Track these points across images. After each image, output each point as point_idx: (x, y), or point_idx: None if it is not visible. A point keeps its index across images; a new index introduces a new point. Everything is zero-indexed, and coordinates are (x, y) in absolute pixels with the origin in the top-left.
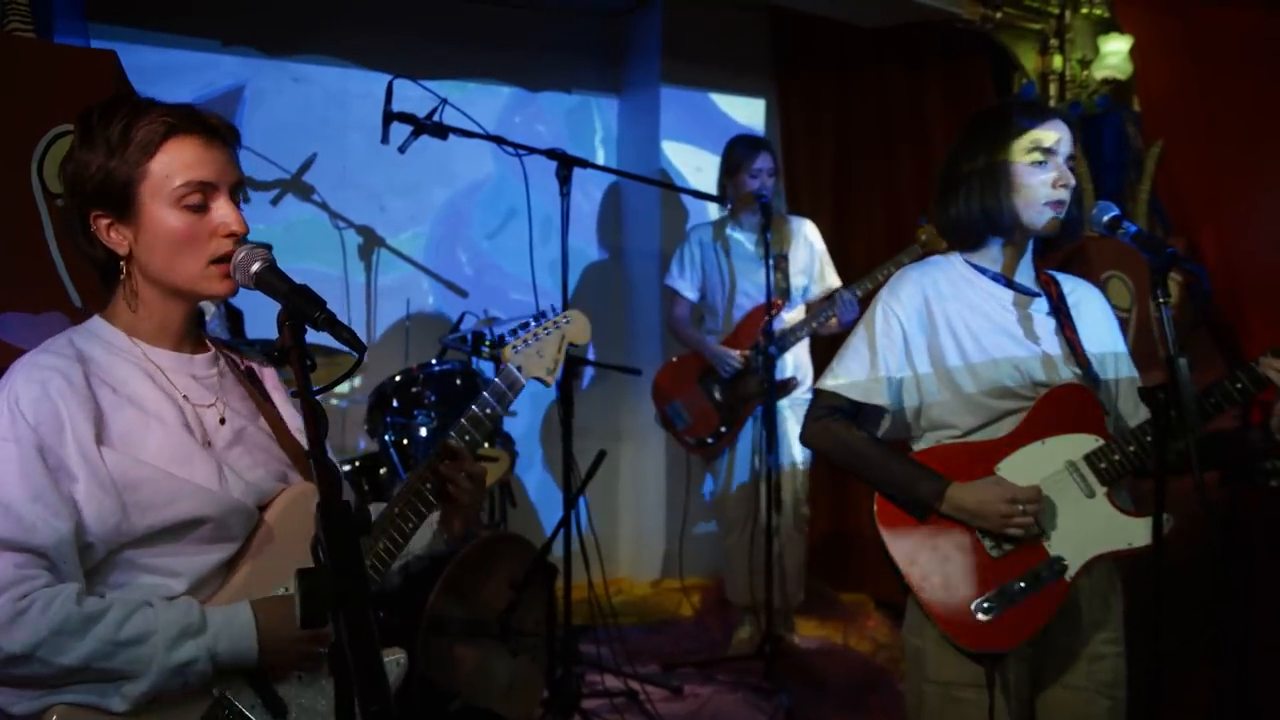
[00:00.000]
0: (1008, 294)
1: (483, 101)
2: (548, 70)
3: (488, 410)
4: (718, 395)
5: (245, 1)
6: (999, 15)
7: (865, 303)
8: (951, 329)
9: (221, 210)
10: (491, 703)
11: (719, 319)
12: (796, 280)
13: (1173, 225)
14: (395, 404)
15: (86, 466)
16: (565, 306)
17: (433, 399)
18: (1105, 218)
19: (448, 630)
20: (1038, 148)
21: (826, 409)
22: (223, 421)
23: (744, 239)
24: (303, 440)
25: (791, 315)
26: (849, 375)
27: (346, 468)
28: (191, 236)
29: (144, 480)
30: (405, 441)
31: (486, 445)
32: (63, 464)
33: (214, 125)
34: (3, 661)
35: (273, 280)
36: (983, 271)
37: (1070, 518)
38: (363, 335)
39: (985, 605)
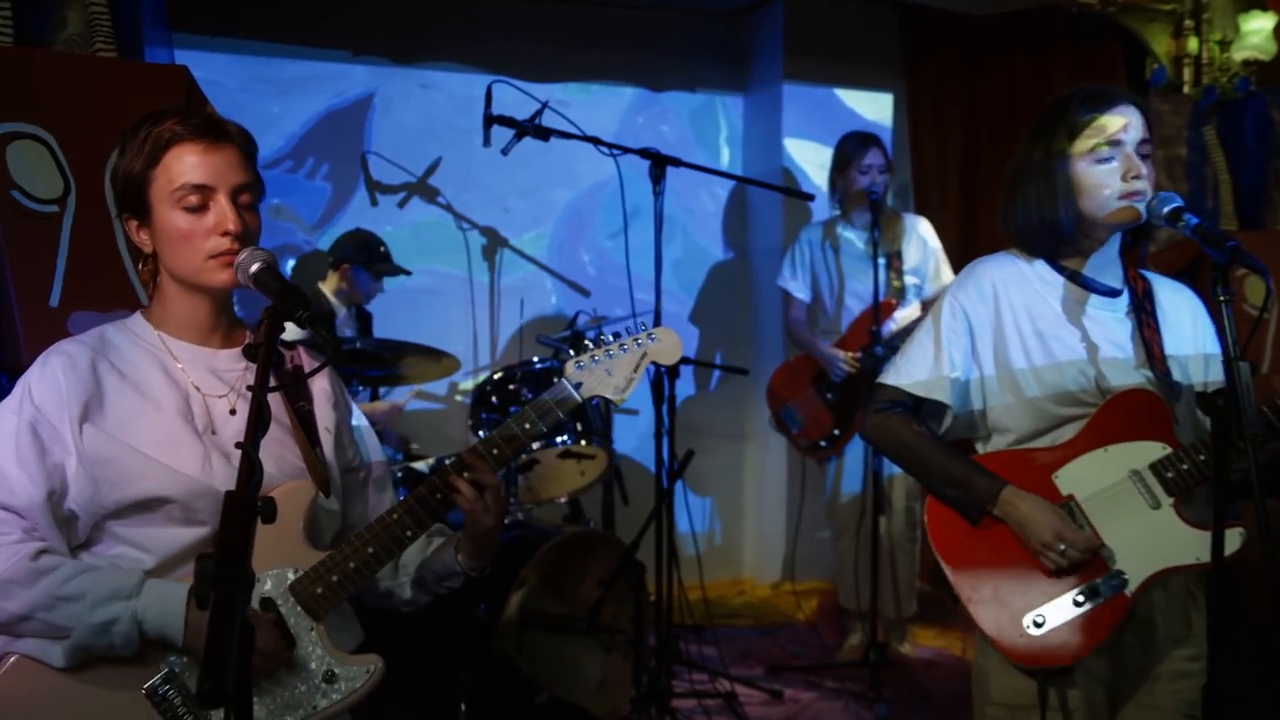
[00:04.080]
0: (1082, 293)
1: (606, 103)
2: (672, 70)
3: (526, 425)
4: (831, 398)
5: (376, 13)
6: None
7: None
8: (1018, 328)
9: (219, 210)
10: (581, 698)
11: (830, 319)
12: (909, 279)
13: None
14: (494, 400)
15: (73, 441)
16: (658, 308)
17: (529, 396)
18: (1165, 209)
19: (538, 624)
20: (1101, 140)
21: (886, 403)
22: (233, 412)
23: (854, 238)
24: (329, 441)
25: (905, 314)
26: (911, 371)
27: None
28: (189, 234)
29: (114, 457)
30: None
31: (583, 443)
32: (59, 438)
33: (224, 131)
34: None
35: (267, 280)
36: (1059, 269)
37: (1132, 530)
38: (485, 334)
39: (1037, 619)
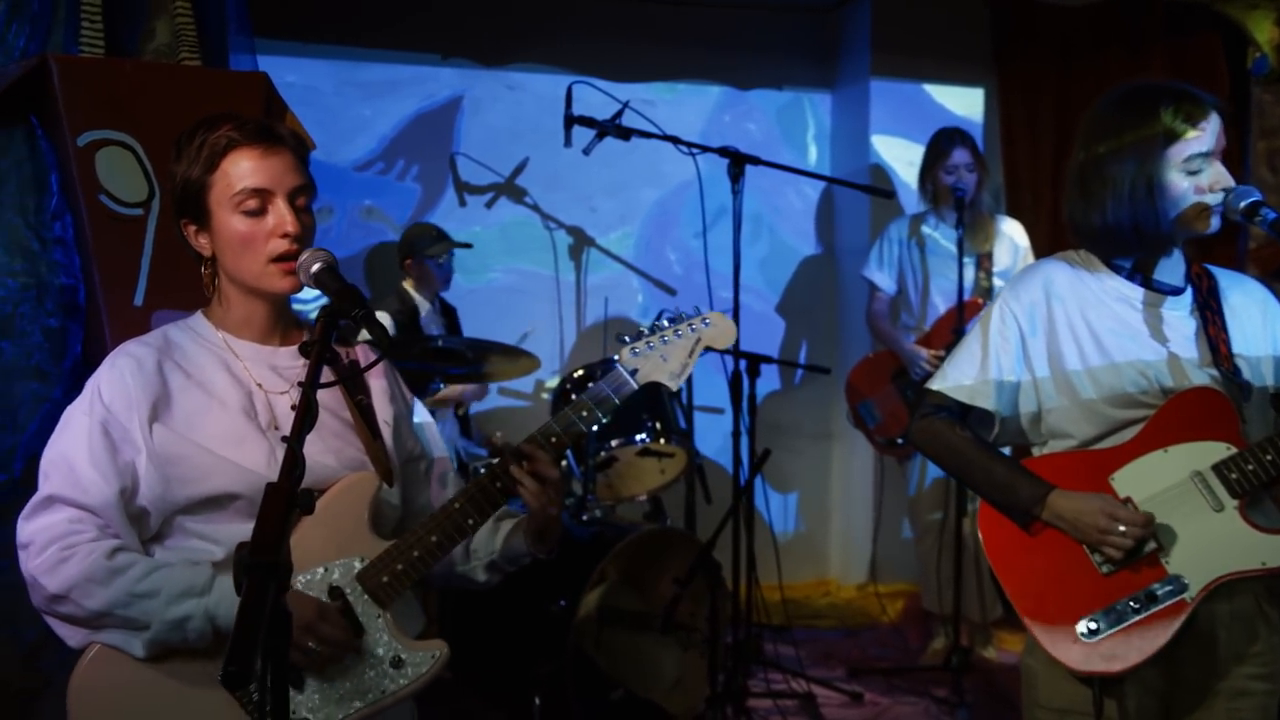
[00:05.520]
0: (1143, 293)
1: (692, 102)
2: (759, 68)
3: (584, 413)
4: (911, 395)
5: (463, 17)
6: None
7: None
8: (1072, 330)
9: (277, 213)
10: (656, 695)
11: (914, 315)
12: (998, 281)
13: None
14: (575, 398)
15: (142, 440)
16: (735, 306)
17: None
18: (1242, 204)
19: (616, 620)
20: (1195, 151)
21: (932, 407)
22: (294, 408)
23: (941, 235)
24: (389, 433)
25: None
26: (957, 376)
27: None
28: (250, 238)
29: (184, 456)
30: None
31: (662, 441)
32: (129, 437)
33: (278, 135)
34: (48, 599)
35: (327, 280)
36: (1116, 269)
37: (1193, 533)
38: (572, 332)
39: (1091, 625)
